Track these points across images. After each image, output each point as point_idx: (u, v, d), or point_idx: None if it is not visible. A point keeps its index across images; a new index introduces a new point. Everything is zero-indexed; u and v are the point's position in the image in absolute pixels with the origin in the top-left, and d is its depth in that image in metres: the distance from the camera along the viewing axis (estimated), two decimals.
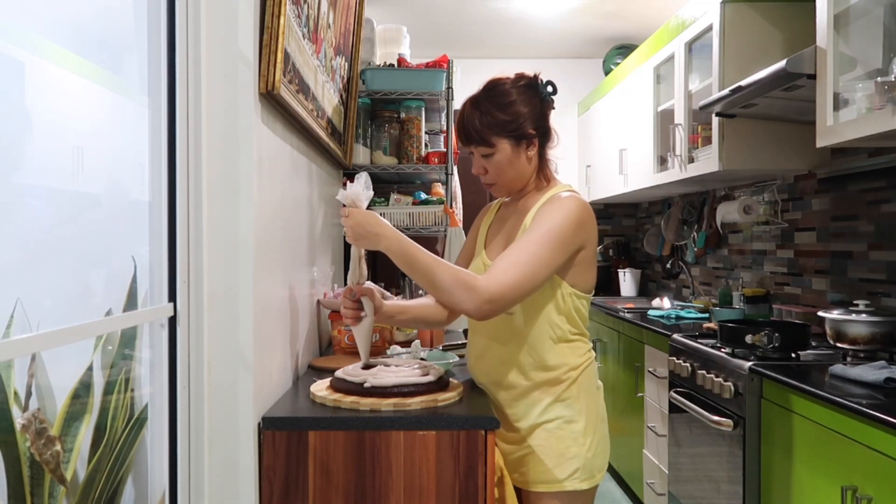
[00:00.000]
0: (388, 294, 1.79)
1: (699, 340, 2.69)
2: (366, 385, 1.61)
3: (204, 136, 1.47)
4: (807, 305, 3.01)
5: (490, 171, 1.72)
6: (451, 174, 3.26)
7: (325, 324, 2.40)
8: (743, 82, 2.46)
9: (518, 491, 1.70)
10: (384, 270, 3.47)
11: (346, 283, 1.76)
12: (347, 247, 3.24)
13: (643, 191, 4.07)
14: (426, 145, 3.39)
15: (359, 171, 1.66)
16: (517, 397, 1.71)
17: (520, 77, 1.73)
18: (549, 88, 1.73)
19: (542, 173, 1.76)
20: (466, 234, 3.13)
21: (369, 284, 1.69)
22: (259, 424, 1.53)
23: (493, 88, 1.72)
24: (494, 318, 1.66)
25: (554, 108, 1.76)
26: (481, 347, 1.77)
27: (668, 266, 4.48)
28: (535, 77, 1.74)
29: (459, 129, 1.73)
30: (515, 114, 1.68)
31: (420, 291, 3.07)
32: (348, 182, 1.61)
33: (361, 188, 1.60)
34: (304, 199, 2.10)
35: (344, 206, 1.59)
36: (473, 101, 1.71)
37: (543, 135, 1.73)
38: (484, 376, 1.77)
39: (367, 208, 1.61)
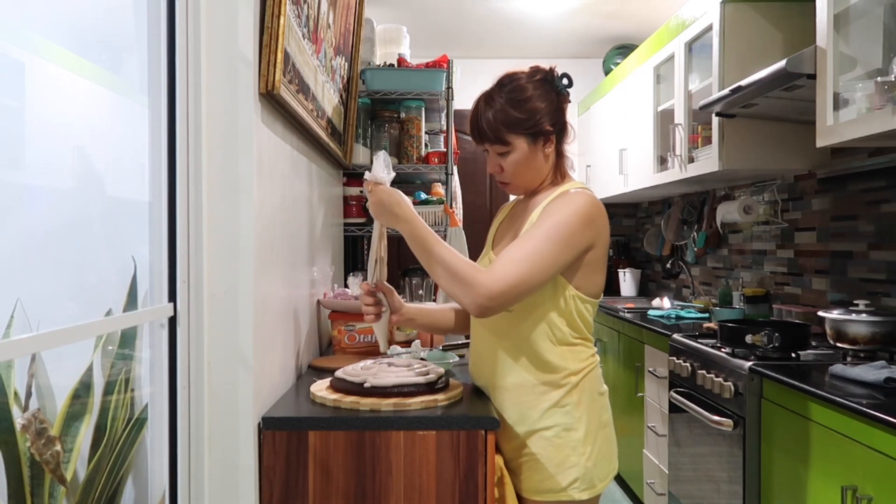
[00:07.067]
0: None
1: (699, 340, 2.69)
2: (366, 385, 1.60)
3: (204, 136, 1.47)
4: (807, 305, 3.01)
5: (506, 170, 1.66)
6: (451, 174, 3.26)
7: (325, 324, 2.40)
8: (743, 82, 2.47)
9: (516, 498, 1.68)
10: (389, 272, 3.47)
11: (365, 279, 1.77)
12: (348, 247, 3.24)
13: (643, 191, 4.07)
14: (426, 145, 3.39)
15: (377, 154, 1.65)
16: (514, 399, 1.64)
17: (535, 71, 1.67)
18: (565, 81, 1.68)
19: (559, 170, 1.70)
20: (466, 234, 3.15)
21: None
22: (259, 424, 1.53)
23: (508, 84, 1.65)
24: (494, 315, 1.64)
25: (570, 102, 1.69)
26: (481, 345, 1.72)
27: (668, 266, 4.48)
28: (551, 70, 1.68)
29: (473, 127, 1.66)
30: (532, 110, 1.61)
31: (420, 292, 3.08)
32: (374, 158, 1.62)
33: (381, 167, 1.60)
34: (304, 199, 2.10)
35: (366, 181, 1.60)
36: (487, 98, 1.65)
37: (560, 131, 1.67)
38: (483, 378, 1.72)
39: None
